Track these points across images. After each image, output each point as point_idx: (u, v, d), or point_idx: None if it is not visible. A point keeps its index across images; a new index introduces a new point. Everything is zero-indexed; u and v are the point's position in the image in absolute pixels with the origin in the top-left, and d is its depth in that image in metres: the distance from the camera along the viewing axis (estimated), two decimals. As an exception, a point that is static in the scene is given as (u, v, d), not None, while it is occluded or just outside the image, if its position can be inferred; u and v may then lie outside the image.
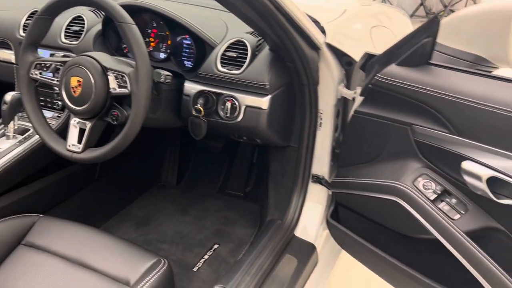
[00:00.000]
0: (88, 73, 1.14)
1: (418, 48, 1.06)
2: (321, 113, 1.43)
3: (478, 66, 1.14)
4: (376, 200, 1.17)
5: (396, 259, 1.19)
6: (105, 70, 1.15)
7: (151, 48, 1.52)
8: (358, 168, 1.28)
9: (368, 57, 1.27)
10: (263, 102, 1.31)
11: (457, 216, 1.01)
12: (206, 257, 1.74)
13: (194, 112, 1.35)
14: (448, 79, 1.02)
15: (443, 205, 1.04)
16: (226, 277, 1.30)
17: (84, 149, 1.19)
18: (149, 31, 1.51)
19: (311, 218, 1.55)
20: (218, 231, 1.90)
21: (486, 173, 0.94)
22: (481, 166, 0.95)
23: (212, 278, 1.63)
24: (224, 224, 1.95)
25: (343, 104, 1.47)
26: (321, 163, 1.50)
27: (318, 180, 1.51)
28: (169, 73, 1.22)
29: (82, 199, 1.81)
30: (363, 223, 1.31)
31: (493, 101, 0.93)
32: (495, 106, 0.92)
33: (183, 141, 2.23)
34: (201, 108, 1.33)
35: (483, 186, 0.95)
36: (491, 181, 0.94)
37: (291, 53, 1.28)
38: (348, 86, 1.43)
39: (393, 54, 1.13)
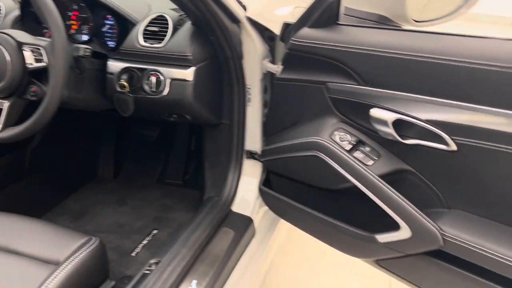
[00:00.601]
0: (2, 49, 1.11)
1: (325, 9, 1.12)
2: (249, 88, 1.47)
3: (382, 25, 1.23)
4: (300, 159, 1.23)
5: (324, 214, 1.24)
6: (20, 45, 1.13)
7: (73, 31, 1.50)
8: (283, 133, 1.33)
9: (286, 27, 1.33)
10: (188, 74, 1.33)
11: (370, 162, 1.08)
12: (144, 242, 1.72)
13: (118, 88, 1.35)
14: (353, 35, 1.10)
15: (358, 154, 1.11)
16: (162, 251, 1.30)
17: (3, 129, 1.15)
18: (70, 14, 1.49)
19: (247, 192, 1.58)
20: (157, 218, 1.88)
21: (391, 117, 1.01)
22: (386, 111, 1.02)
23: (150, 259, 1.61)
24: (163, 211, 1.94)
25: (270, 80, 1.51)
26: (253, 139, 1.54)
27: (252, 155, 1.55)
28: (88, 47, 1.22)
29: (12, 194, 1.73)
30: (292, 186, 1.36)
31: (392, 48, 1.01)
32: (394, 51, 1.00)
33: (119, 133, 2.20)
34: (126, 83, 1.33)
35: (390, 130, 1.02)
36: (397, 124, 1.02)
37: (212, 26, 1.31)
38: (273, 61, 1.48)
39: (305, 19, 1.19)
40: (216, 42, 1.37)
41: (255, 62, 1.44)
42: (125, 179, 2.17)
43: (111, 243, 1.70)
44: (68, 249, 1.10)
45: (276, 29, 1.41)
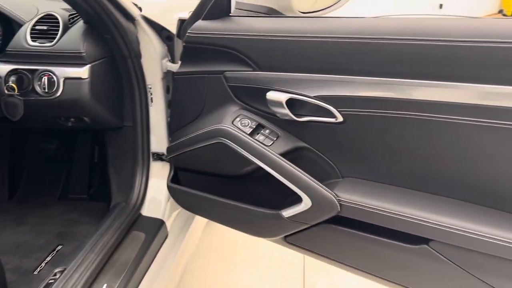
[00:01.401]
0: None
1: (216, 2, 1.18)
2: (150, 87, 1.47)
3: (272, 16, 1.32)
4: (205, 149, 1.25)
5: (233, 200, 1.27)
6: None
7: (-51, 35, 1.38)
8: (188, 128, 1.35)
9: (182, 23, 1.36)
10: (82, 72, 1.30)
11: (270, 143, 1.15)
12: (48, 259, 1.61)
13: (6, 91, 1.27)
14: (244, 23, 1.17)
15: (258, 136, 1.16)
16: (68, 258, 1.23)
17: None
18: None
19: (157, 195, 1.56)
20: (62, 233, 1.77)
21: (284, 97, 1.09)
22: (280, 92, 1.10)
23: (55, 271, 1.51)
24: (68, 226, 1.82)
25: (172, 79, 1.53)
26: (159, 140, 1.53)
27: (159, 157, 1.54)
28: None
29: None
30: (200, 178, 1.38)
31: (280, 32, 1.09)
32: (282, 35, 1.08)
33: (13, 148, 2.04)
34: (14, 85, 1.26)
35: (285, 110, 1.10)
36: (291, 104, 1.10)
37: (106, 24, 1.30)
38: (173, 61, 1.50)
39: (199, 13, 1.24)
40: (111, 40, 1.35)
41: (155, 61, 1.44)
42: (23, 198, 2.01)
43: (9, 264, 1.56)
44: None
45: (173, 29, 1.43)
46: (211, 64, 1.22)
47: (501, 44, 0.85)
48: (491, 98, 0.87)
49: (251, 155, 1.14)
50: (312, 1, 1.30)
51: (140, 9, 1.44)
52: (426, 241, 1.00)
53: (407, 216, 0.98)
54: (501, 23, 0.91)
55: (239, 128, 1.18)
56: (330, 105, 1.04)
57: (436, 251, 0.99)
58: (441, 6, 7.93)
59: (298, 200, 1.12)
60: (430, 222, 0.95)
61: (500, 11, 10.14)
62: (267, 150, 1.12)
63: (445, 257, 0.98)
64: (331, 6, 1.29)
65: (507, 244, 0.88)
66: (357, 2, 1.44)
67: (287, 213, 1.14)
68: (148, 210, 1.54)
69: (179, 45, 1.45)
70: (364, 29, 1.00)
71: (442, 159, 0.97)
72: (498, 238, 0.89)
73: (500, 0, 10.11)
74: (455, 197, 0.98)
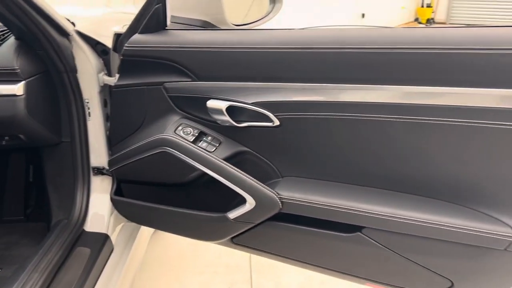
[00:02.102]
0: None
1: (152, 16, 1.22)
2: (88, 102, 1.47)
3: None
4: (148, 159, 1.28)
5: (179, 207, 1.31)
6: None
7: None
8: (129, 140, 1.36)
9: (118, 37, 1.38)
10: (17, 89, 1.27)
11: (213, 149, 1.20)
12: (-15, 285, 1.54)
13: None
14: (181, 36, 1.22)
15: (201, 143, 1.22)
16: (11, 279, 1.20)
17: None
18: None
19: (100, 209, 1.54)
20: (-1, 257, 1.69)
21: (224, 105, 1.15)
22: (220, 101, 1.16)
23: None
24: (6, 249, 1.74)
25: (109, 93, 1.53)
26: (99, 154, 1.52)
27: (100, 171, 1.53)
28: None
29: None
30: (144, 189, 1.40)
31: (217, 43, 1.16)
32: (218, 46, 1.15)
33: None
34: None
35: (226, 117, 1.16)
36: (231, 111, 1.16)
37: (40, 40, 1.29)
38: (109, 74, 1.50)
39: (135, 27, 1.27)
40: (45, 56, 1.34)
41: (91, 75, 1.44)
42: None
43: None
44: None
45: (108, 43, 1.45)
46: (150, 76, 1.26)
47: (411, 50, 0.98)
48: (411, 97, 1.00)
49: (195, 161, 1.19)
50: (243, 14, 1.39)
51: (73, 24, 1.44)
52: (359, 229, 1.10)
53: (342, 207, 1.08)
54: (412, 31, 1.05)
55: (181, 137, 1.22)
56: (266, 110, 1.12)
57: (369, 237, 1.10)
58: (363, 15, 8.50)
59: (243, 201, 1.18)
60: (362, 211, 1.06)
61: (416, 19, 11.02)
62: (211, 156, 1.18)
63: (377, 242, 1.09)
64: (261, 19, 1.38)
65: (430, 225, 1.00)
66: (286, 15, 1.56)
67: (232, 214, 1.20)
68: (92, 225, 1.52)
69: (115, 59, 1.47)
70: (293, 39, 1.09)
71: (371, 154, 1.09)
72: (422, 220, 1.01)
73: (416, 10, 11.03)
74: (384, 188, 1.10)
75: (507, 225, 0.99)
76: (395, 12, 9.91)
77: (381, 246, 1.09)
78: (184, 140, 1.21)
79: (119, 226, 1.60)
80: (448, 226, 1.00)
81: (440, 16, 10.82)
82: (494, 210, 1.01)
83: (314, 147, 1.13)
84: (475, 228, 0.99)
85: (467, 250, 1.03)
